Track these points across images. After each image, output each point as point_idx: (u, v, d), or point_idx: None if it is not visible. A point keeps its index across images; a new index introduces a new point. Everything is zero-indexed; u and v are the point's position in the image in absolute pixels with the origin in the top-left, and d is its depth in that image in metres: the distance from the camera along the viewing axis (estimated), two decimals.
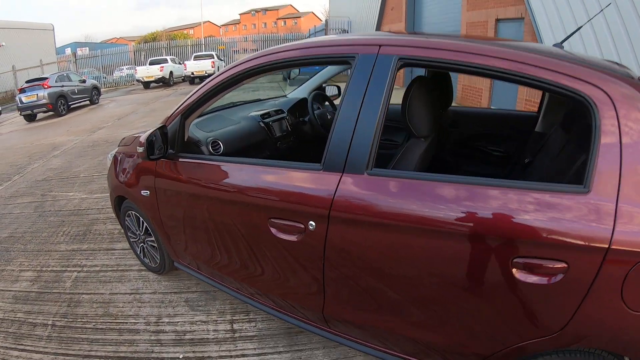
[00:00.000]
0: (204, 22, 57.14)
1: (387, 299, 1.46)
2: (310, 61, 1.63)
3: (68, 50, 27.71)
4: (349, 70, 1.55)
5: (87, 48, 28.10)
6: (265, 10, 62.88)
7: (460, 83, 9.45)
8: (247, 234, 1.74)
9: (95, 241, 3.34)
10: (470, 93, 9.05)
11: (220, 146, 2.34)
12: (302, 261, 1.60)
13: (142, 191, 2.19)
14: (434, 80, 2.30)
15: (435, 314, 1.40)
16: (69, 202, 4.32)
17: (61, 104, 12.27)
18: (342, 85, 3.70)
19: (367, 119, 1.41)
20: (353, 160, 1.41)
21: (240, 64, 1.74)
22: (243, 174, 1.71)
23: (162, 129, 1.91)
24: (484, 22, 8.33)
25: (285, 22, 58.08)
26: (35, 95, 11.63)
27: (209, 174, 1.81)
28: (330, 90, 3.46)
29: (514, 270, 1.19)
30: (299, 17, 58.47)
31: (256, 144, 2.67)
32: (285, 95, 3.47)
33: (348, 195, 1.40)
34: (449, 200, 1.26)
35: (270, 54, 1.69)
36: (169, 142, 1.94)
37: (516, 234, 1.16)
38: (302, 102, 3.23)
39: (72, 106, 13.03)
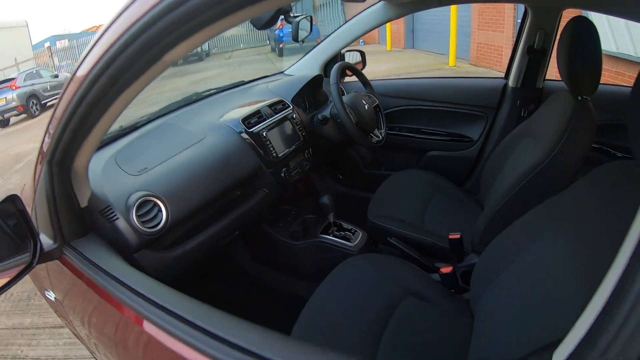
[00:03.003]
0: None
1: None
2: None
3: (48, 45, 26.25)
4: None
5: (67, 40, 26.70)
6: None
7: (475, 40, 8.31)
8: None
9: (40, 310, 2.41)
10: (488, 52, 7.92)
11: (162, 211, 1.15)
12: None
13: (45, 292, 1.23)
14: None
15: None
16: None
17: (33, 104, 11.14)
18: (366, 49, 2.49)
19: None
20: None
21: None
22: None
23: (13, 202, 0.86)
24: None
25: None
26: (4, 99, 10.47)
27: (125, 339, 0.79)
28: (351, 58, 2.17)
29: None
30: None
31: (241, 185, 1.49)
32: (282, 72, 2.20)
33: None
34: None
35: None
36: (34, 228, 0.89)
37: None
38: (314, 83, 1.95)
39: (47, 104, 11.93)
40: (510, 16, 7.07)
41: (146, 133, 1.45)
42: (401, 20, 11.36)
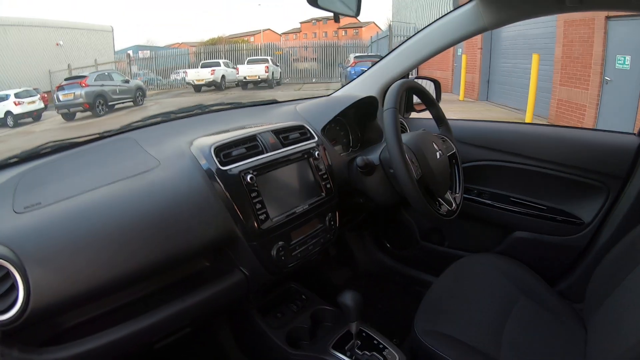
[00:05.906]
0: (265, 30, 57.86)
1: None
2: None
3: (129, 52, 28.43)
4: None
5: (149, 51, 28.75)
6: (326, 19, 62.74)
7: (555, 97, 7.54)
8: None
9: None
10: (568, 110, 7.13)
11: (17, 289, 0.62)
12: None
13: None
14: None
15: None
16: None
17: (99, 104, 11.69)
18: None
19: None
20: None
21: None
22: None
23: None
24: (589, 19, 6.39)
25: (346, 32, 57.74)
26: (73, 94, 11.11)
27: None
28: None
29: None
30: (360, 27, 58.02)
31: (205, 255, 0.95)
32: (328, 95, 1.62)
33: None
34: None
35: None
36: None
37: None
38: (365, 108, 1.36)
39: (115, 106, 12.51)
40: (596, 72, 6.33)
41: (91, 148, 0.98)
42: (477, 69, 10.79)
